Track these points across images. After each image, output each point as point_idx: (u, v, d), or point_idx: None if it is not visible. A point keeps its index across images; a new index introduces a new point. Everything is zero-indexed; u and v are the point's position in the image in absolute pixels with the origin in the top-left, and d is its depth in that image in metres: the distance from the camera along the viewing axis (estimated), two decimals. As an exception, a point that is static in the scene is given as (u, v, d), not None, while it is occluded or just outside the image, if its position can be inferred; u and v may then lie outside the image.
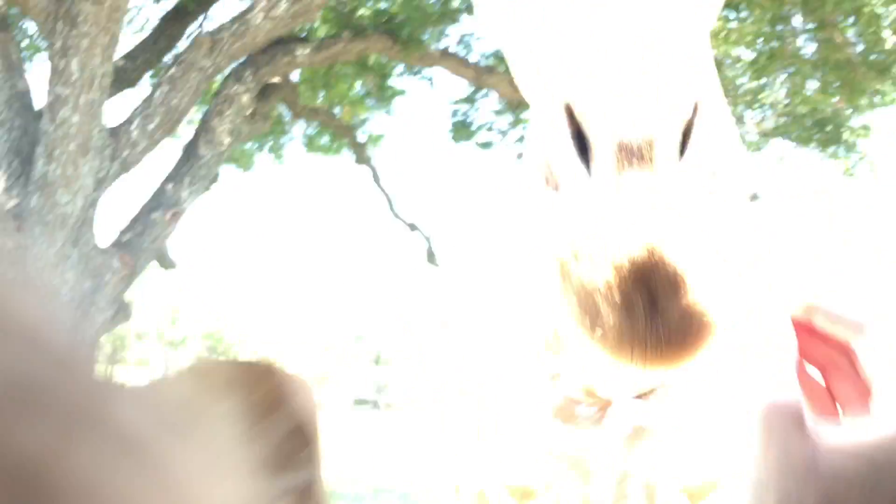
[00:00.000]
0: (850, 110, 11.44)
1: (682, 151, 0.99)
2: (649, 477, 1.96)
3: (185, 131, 12.29)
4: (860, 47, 10.88)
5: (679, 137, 0.98)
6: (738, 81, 11.64)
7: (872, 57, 10.73)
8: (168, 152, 10.30)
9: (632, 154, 0.95)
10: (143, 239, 9.25)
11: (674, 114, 0.97)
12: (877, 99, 11.23)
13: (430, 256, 14.43)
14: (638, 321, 0.99)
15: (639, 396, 1.95)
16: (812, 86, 11.50)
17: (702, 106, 1.01)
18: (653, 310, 0.98)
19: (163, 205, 9.34)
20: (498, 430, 2.12)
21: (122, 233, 9.43)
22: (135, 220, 9.43)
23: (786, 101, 11.71)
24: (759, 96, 11.86)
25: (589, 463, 1.97)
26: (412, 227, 14.43)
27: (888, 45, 10.94)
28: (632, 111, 0.96)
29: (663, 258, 0.98)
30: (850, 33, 10.88)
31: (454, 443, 2.24)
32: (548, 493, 2.02)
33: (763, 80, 11.53)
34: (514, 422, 2.09)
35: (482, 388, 2.21)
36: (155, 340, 59.55)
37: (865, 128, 11.60)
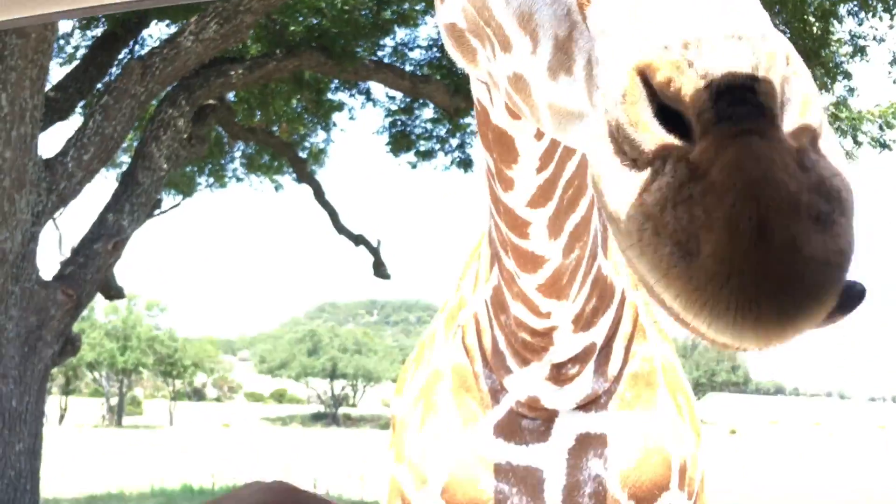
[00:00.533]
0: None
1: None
2: (597, 484, 1.99)
3: (123, 159, 12.20)
4: (787, 35, 11.15)
5: (780, 92, 0.83)
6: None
7: (800, 43, 10.98)
8: (106, 182, 10.22)
9: (741, 113, 0.80)
10: (86, 270, 9.17)
11: (776, 61, 0.84)
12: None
13: (377, 268, 14.47)
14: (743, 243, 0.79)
15: (582, 406, 2.00)
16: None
17: (793, 57, 0.87)
18: (762, 233, 0.78)
19: (104, 235, 9.27)
20: (445, 446, 2.13)
21: (64, 265, 9.35)
22: (76, 252, 9.36)
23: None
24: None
25: (536, 476, 2.00)
26: (358, 240, 14.46)
27: (814, 31, 11.22)
28: (733, 58, 0.83)
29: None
30: (777, 21, 11.13)
31: (405, 457, 2.24)
32: None
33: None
34: (459, 439, 2.10)
35: (432, 405, 2.23)
36: (107, 370, 58.70)
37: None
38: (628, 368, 2.05)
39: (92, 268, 9.19)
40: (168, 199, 14.48)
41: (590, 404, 2.01)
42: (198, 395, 77.55)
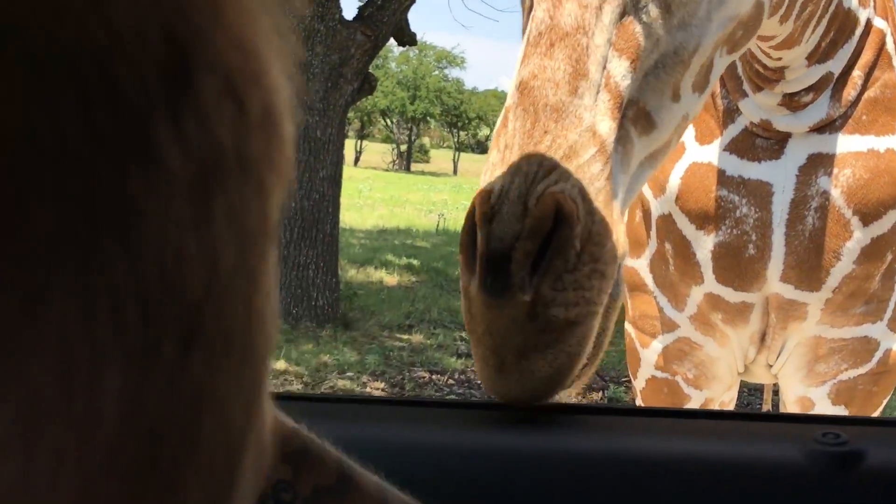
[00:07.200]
0: None
1: None
2: (824, 199, 2.07)
3: None
4: None
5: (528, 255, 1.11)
6: None
7: None
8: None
9: (494, 288, 1.11)
10: (383, 13, 9.52)
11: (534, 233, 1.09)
12: None
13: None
14: None
15: (816, 128, 2.07)
16: None
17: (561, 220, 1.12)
18: None
19: (399, -22, 9.51)
20: (683, 159, 2.25)
21: (363, 8, 9.74)
22: (374, -5, 9.69)
23: None
24: None
25: (766, 189, 2.10)
26: None
27: None
28: (501, 231, 1.10)
29: None
30: None
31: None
32: (726, 220, 2.16)
33: None
34: (695, 153, 2.22)
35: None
36: (398, 117, 61.61)
37: None
38: (867, 94, 2.07)
39: (388, 11, 9.55)
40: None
41: (824, 127, 2.06)
42: (480, 147, 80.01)
